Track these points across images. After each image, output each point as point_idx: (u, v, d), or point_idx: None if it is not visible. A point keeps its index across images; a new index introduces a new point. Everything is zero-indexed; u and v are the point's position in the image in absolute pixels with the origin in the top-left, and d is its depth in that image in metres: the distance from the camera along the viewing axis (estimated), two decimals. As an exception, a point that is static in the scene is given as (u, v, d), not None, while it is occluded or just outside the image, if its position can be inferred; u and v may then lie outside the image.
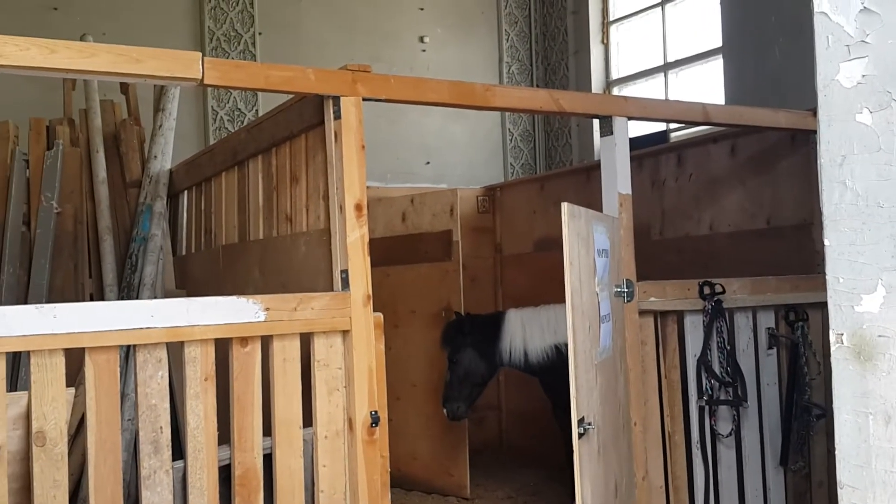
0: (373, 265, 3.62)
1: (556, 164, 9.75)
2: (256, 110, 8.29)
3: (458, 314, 6.09)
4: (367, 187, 3.69)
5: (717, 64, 7.87)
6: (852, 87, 1.70)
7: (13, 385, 4.84)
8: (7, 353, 2.94)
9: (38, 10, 7.45)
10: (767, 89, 6.82)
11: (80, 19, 7.52)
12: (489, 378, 5.84)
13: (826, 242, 1.74)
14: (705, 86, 8.15)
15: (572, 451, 5.80)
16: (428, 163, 9.30)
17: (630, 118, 4.38)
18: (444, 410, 5.77)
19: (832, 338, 1.74)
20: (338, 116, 3.57)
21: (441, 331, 5.98)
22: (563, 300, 3.30)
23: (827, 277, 1.75)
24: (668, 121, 6.08)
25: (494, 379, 6.17)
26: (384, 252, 6.53)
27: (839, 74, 1.72)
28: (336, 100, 3.56)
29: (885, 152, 1.65)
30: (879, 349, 1.66)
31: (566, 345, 5.30)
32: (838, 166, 1.72)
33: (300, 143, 4.07)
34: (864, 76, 1.69)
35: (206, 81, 3.22)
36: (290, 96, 3.97)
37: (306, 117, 3.89)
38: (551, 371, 5.37)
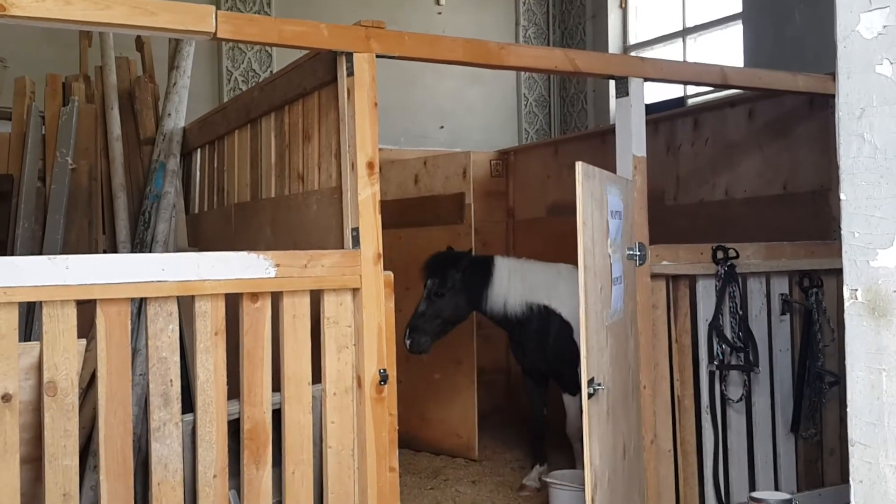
0: (385, 227, 3.62)
1: (572, 129, 9.65)
2: (271, 70, 8.23)
3: (450, 248, 5.91)
4: (381, 150, 3.65)
5: (737, 30, 7.74)
6: (873, 38, 1.66)
7: (27, 337, 4.88)
8: (20, 305, 2.96)
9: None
10: (787, 56, 6.71)
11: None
12: (464, 319, 5.73)
13: (842, 196, 1.71)
14: (724, 52, 8.01)
15: (539, 412, 5.78)
16: (442, 127, 9.24)
17: (646, 79, 4.32)
18: (408, 341, 5.41)
19: (846, 293, 1.71)
20: (351, 73, 3.54)
21: (427, 260, 5.65)
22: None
23: (842, 232, 1.72)
24: (685, 83, 5.99)
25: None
26: (396, 214, 6.51)
27: (859, 25, 1.68)
28: (349, 56, 3.53)
29: (906, 104, 1.61)
30: (894, 305, 1.64)
31: (537, 305, 5.39)
32: (857, 119, 1.69)
33: (313, 100, 4.04)
34: (884, 27, 1.64)
35: (219, 35, 3.21)
36: (304, 55, 3.93)
37: (319, 74, 3.86)
38: (518, 327, 5.47)
